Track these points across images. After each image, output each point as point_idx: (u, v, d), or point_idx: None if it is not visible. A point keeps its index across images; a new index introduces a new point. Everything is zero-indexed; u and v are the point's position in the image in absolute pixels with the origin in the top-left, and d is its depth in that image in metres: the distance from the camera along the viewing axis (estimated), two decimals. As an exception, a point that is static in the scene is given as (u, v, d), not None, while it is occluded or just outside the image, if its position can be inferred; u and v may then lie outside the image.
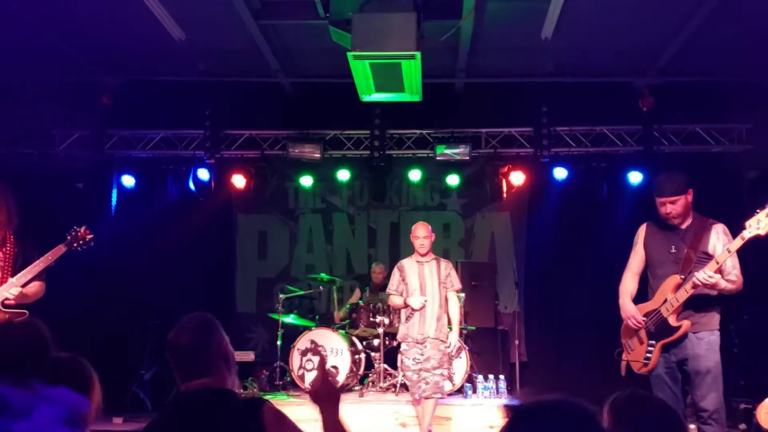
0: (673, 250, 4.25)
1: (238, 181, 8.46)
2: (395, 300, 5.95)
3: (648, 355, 4.24)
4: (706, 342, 4.12)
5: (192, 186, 8.32)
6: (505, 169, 8.32)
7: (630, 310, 4.36)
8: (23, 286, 4.34)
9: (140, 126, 8.34)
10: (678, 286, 4.14)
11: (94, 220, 4.97)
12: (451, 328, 5.82)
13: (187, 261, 8.31)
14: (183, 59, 7.54)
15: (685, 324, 4.10)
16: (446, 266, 5.91)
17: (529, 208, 8.68)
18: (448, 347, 5.77)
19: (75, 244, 4.57)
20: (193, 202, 8.40)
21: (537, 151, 8.09)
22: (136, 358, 7.57)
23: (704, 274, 3.95)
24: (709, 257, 4.10)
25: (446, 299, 5.82)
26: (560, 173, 8.18)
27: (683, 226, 4.28)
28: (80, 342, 2.88)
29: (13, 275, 4.36)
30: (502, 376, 7.08)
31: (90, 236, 4.63)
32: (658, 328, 4.20)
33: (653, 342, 4.23)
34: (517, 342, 7.94)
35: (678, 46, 7.02)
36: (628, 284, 4.50)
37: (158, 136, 8.37)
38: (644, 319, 4.28)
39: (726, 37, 6.80)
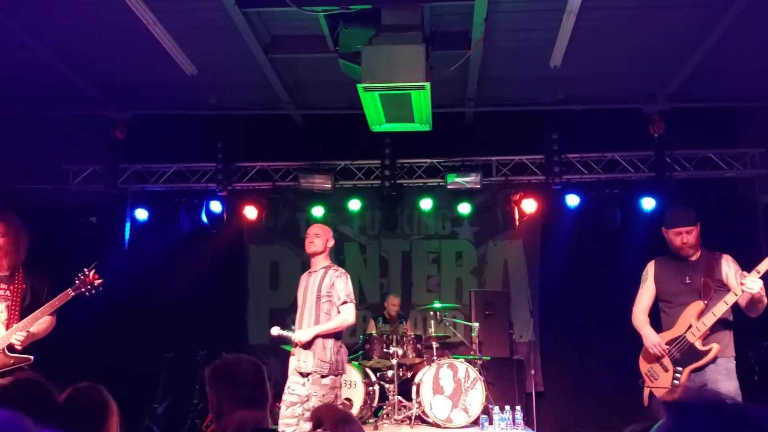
0: (688, 281, 4.33)
1: (250, 212, 8.49)
2: None
3: (675, 381, 4.26)
4: (724, 368, 4.19)
5: (204, 218, 8.36)
6: (517, 196, 8.30)
7: (654, 338, 4.39)
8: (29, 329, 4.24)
9: (153, 160, 8.43)
10: (701, 312, 4.20)
11: (107, 254, 4.93)
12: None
13: (199, 293, 8.28)
14: (195, 93, 7.64)
15: (715, 347, 4.15)
16: (332, 275, 4.91)
17: (542, 235, 8.61)
18: (324, 377, 4.72)
19: (83, 289, 4.40)
20: (205, 235, 8.42)
21: (549, 178, 8.05)
22: (149, 391, 7.53)
23: (754, 278, 3.93)
24: (724, 285, 4.20)
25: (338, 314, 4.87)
26: (572, 200, 8.13)
27: (693, 259, 4.37)
28: (93, 374, 2.85)
29: (20, 313, 4.27)
30: (518, 407, 6.94)
31: (99, 281, 4.46)
32: (684, 354, 4.24)
33: (680, 368, 4.26)
34: (533, 372, 7.83)
35: (688, 71, 7.01)
36: (642, 316, 4.55)
37: (171, 169, 8.45)
38: (667, 347, 4.31)
39: (736, 62, 6.80)
